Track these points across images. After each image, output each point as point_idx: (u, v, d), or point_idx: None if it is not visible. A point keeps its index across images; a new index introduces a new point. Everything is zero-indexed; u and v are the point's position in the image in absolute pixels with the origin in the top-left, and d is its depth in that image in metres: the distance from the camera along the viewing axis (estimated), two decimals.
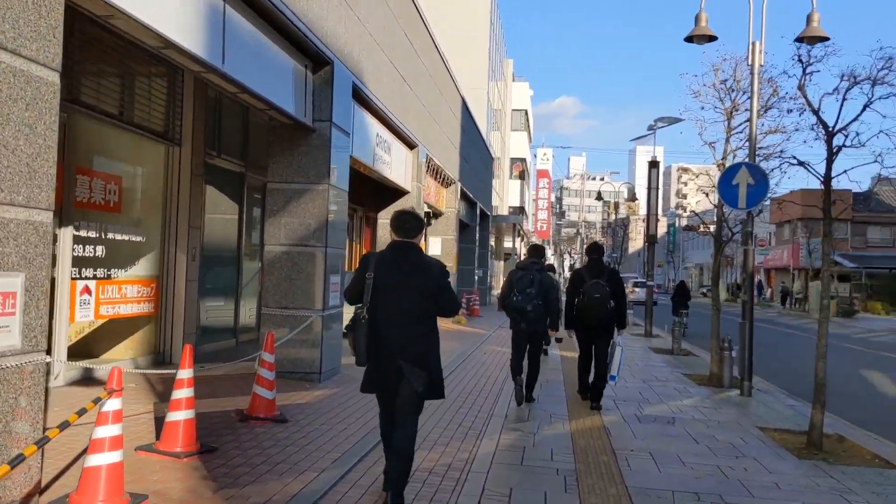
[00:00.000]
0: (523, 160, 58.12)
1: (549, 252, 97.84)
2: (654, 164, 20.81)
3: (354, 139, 10.78)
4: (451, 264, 20.82)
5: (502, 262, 44.46)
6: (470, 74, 34.40)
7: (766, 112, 11.70)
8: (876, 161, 7.24)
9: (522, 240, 51.31)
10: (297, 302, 9.26)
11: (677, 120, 20.85)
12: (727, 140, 12.18)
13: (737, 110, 12.29)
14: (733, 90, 12.11)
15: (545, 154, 64.26)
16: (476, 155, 26.73)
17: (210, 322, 11.31)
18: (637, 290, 47.25)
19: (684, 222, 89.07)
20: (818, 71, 7.42)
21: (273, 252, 9.38)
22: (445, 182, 20.03)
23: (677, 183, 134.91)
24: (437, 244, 20.73)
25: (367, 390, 4.87)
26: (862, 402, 11.45)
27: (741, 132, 12.31)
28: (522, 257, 54.89)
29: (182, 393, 5.72)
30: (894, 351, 20.21)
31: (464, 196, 23.70)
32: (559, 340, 15.50)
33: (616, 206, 36.30)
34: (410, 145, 14.85)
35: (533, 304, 8.46)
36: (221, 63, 6.79)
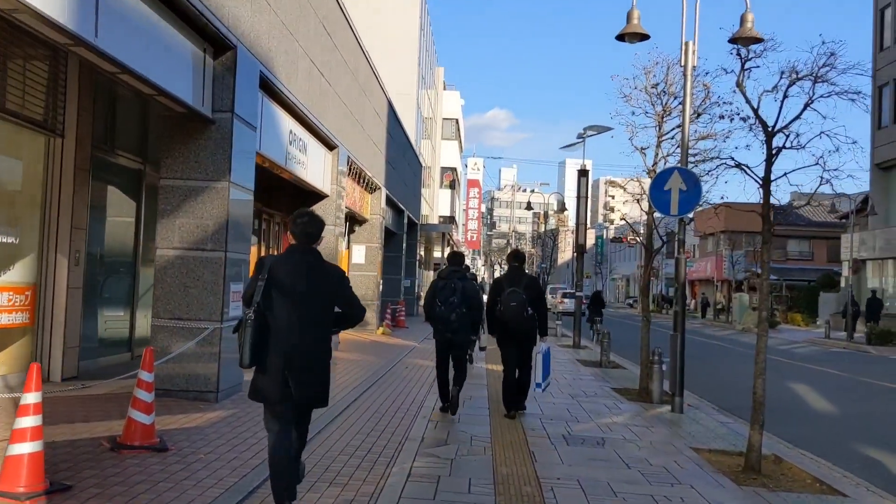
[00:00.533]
0: (454, 169, 57.67)
1: (480, 262, 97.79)
2: (583, 173, 20.44)
3: (263, 134, 9.89)
4: (375, 273, 19.99)
5: (431, 272, 43.75)
6: (399, 79, 33.69)
7: (697, 117, 11.31)
8: (818, 164, 6.78)
9: (453, 249, 50.81)
10: (193, 312, 8.31)
11: (607, 128, 20.58)
12: (658, 145, 11.74)
13: (668, 115, 11.89)
14: (665, 93, 11.69)
15: (476, 164, 63.98)
16: (404, 162, 26.00)
17: (102, 334, 10.22)
18: (566, 300, 47.29)
19: (612, 234, 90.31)
20: (757, 66, 6.93)
21: (166, 257, 8.41)
22: (370, 187, 19.21)
23: (605, 196, 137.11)
24: (360, 252, 19.88)
25: (255, 398, 4.73)
26: (793, 417, 11.11)
27: (672, 138, 11.92)
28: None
29: (27, 421, 4.76)
30: (817, 362, 20.27)
31: (390, 203, 22.92)
32: (483, 349, 14.84)
33: (546, 216, 36.07)
34: (330, 146, 14.01)
35: (457, 313, 8.42)
36: (94, 36, 5.87)
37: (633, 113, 12.33)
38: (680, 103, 11.71)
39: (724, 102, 11.01)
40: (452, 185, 57.09)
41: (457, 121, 57.61)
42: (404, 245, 26.11)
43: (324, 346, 4.75)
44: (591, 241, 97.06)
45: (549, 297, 51.11)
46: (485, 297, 10.75)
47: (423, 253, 44.95)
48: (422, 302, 14.02)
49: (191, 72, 7.91)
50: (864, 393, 14.35)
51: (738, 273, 43.50)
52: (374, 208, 20.02)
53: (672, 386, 10.19)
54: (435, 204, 53.63)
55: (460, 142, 63.81)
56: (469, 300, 8.52)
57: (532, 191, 37.42)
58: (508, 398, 8.80)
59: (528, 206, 35.08)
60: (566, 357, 17.12)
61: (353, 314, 4.83)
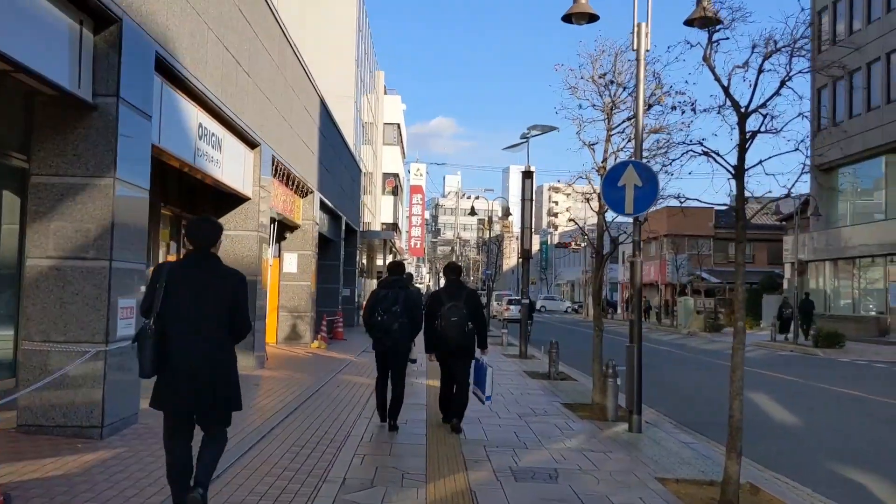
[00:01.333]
0: (396, 175, 56.54)
1: (425, 270, 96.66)
2: (528, 175, 19.53)
3: (164, 126, 8.61)
4: (308, 283, 18.70)
5: (374, 281, 42.40)
6: (335, 81, 32.45)
7: (649, 109, 10.42)
8: (797, 150, 5.89)
9: (395, 257, 49.55)
10: (72, 333, 7.00)
11: (551, 128, 19.74)
12: (608, 139, 10.84)
13: (617, 108, 10.99)
14: (613, 83, 10.78)
15: (419, 169, 62.88)
16: (341, 165, 24.75)
17: None
18: (511, 307, 46.43)
19: (556, 240, 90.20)
20: (727, 38, 6.00)
21: (38, 268, 7.08)
22: (301, 191, 17.94)
23: (549, 202, 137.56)
24: (292, 261, 18.58)
25: (157, 406, 4.58)
26: (759, 431, 10.27)
27: (623, 131, 11.03)
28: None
29: None
30: (769, 367, 19.70)
31: (325, 208, 21.65)
32: (413, 361, 13.99)
33: (490, 221, 35.21)
34: (250, 143, 12.74)
35: (399, 323, 8.20)
36: None
37: (581, 106, 11.37)
38: (630, 94, 10.87)
39: (678, 92, 10.12)
40: (395, 192, 55.94)
41: (398, 126, 56.51)
42: (342, 253, 24.83)
43: (224, 354, 4.64)
44: (535, 247, 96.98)
45: (493, 304, 50.25)
46: None
47: (365, 261, 43.68)
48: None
49: (63, 47, 6.63)
50: (825, 400, 13.66)
51: (683, 277, 43.29)
52: (307, 213, 18.75)
53: (629, 402, 9.23)
54: (377, 211, 52.40)
55: (403, 147, 62.71)
56: (411, 310, 8.33)
57: (476, 197, 36.43)
58: (446, 410, 8.73)
59: (472, 212, 34.10)
60: (513, 368, 16.12)
61: (239, 327, 4.68)
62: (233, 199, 12.84)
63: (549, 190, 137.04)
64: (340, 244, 24.55)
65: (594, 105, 11.09)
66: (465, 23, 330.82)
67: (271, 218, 14.98)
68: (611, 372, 9.89)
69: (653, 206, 8.99)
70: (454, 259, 59.76)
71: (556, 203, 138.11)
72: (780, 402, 13.07)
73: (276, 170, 14.68)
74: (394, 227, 54.85)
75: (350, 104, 34.10)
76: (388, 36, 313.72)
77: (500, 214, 55.04)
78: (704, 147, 6.08)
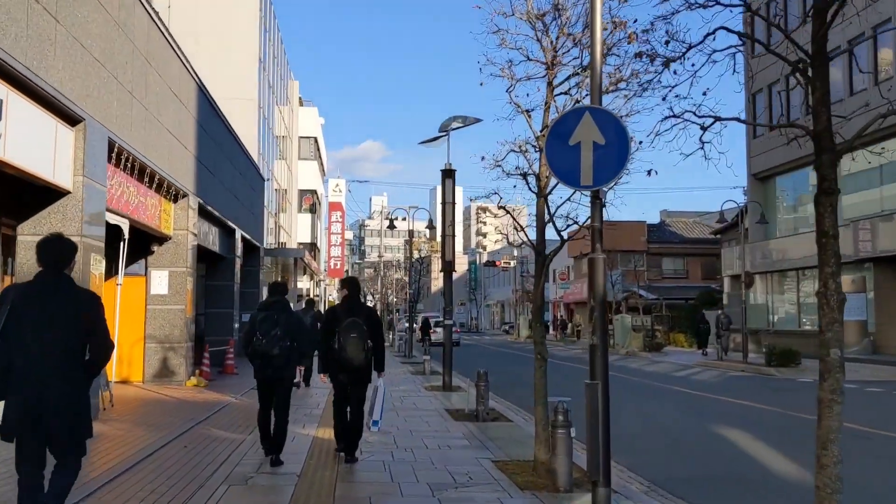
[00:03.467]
0: (314, 192, 53.00)
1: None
2: (448, 174, 16.62)
3: None
4: (182, 307, 15.24)
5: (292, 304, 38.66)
6: (234, 80, 29.11)
7: (608, 53, 7.61)
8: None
9: (312, 278, 45.98)
10: None
11: (475, 119, 16.89)
12: (549, 99, 7.95)
13: (560, 63, 8.15)
14: (555, 21, 7.93)
15: (338, 185, 59.32)
16: (234, 171, 21.35)
17: None
18: (437, 330, 43.39)
19: (485, 258, 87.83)
20: None
21: None
22: (169, 194, 14.54)
23: (476, 223, 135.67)
24: (162, 279, 15.12)
25: (4, 434, 4.40)
26: (760, 491, 7.46)
27: (568, 92, 8.21)
28: (316, 298, 49.29)
29: None
30: (727, 392, 17.15)
31: (211, 218, 18.25)
32: (297, 386, 12.83)
33: (411, 234, 32.32)
34: (67, 117, 9.39)
35: (280, 347, 7.58)
36: None
37: (511, 62, 8.47)
38: (575, 45, 8.08)
39: (644, 30, 7.30)
40: (313, 209, 52.40)
41: (315, 139, 53.09)
42: (237, 272, 21.35)
43: (71, 384, 4.47)
44: (463, 266, 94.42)
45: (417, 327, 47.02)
46: None
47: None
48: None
49: None
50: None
51: (619, 294, 41.07)
52: (180, 222, 15.35)
53: (591, 465, 6.20)
54: (294, 230, 48.78)
55: (321, 162, 59.26)
56: (293, 333, 7.70)
57: (403, 218, 33.48)
58: (343, 438, 8.11)
59: (391, 225, 31.10)
60: (433, 406, 13.05)
61: (96, 352, 4.58)
62: (40, 193, 9.44)
63: (477, 211, 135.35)
64: (235, 261, 21.08)
65: (529, 56, 8.23)
66: (387, 45, 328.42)
67: (113, 224, 11.60)
68: (561, 420, 6.92)
69: (621, 176, 6.08)
70: (379, 281, 56.41)
71: (485, 223, 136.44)
72: (765, 440, 10.33)
73: (120, 160, 11.33)
74: (312, 246, 51.24)
75: (251, 107, 30.65)
76: (308, 56, 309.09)
77: (426, 235, 52.11)
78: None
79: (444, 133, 16.71)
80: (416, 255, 34.07)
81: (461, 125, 16.69)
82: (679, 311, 42.84)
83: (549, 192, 7.28)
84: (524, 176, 7.39)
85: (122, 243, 12.09)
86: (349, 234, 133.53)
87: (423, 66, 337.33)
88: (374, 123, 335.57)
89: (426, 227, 32.53)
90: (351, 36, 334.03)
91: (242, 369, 19.51)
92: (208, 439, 9.19)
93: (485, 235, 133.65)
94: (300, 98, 52.71)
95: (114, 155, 10.84)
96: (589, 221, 6.18)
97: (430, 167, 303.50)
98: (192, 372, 15.39)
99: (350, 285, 8.43)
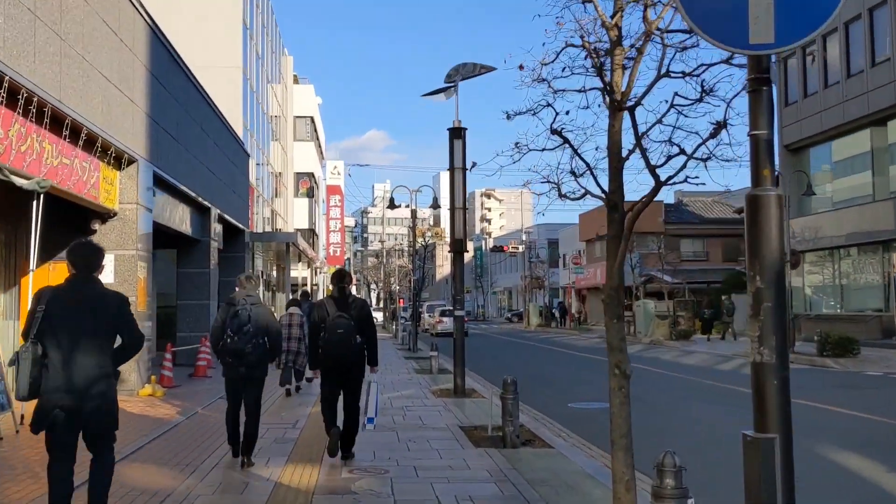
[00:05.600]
0: (312, 175, 49.98)
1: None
2: (456, 134, 13.72)
3: None
4: (132, 298, 12.36)
5: (285, 296, 35.67)
6: (216, 45, 26.21)
7: None
8: None
9: (309, 267, 43.11)
10: None
11: (488, 68, 13.95)
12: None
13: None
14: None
15: (336, 167, 56.24)
16: (207, 139, 18.42)
17: None
18: (445, 319, 40.60)
19: (491, 244, 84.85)
20: None
21: None
22: (108, 156, 11.61)
23: (481, 209, 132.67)
24: (106, 265, 12.21)
25: (37, 429, 4.64)
26: None
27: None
28: (315, 287, 46.26)
29: None
30: (798, 392, 14.18)
31: (174, 191, 15.37)
32: (288, 392, 12.52)
33: (414, 213, 29.49)
34: None
35: (253, 344, 7.31)
36: None
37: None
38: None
39: None
40: (311, 194, 49.42)
41: (312, 119, 50.02)
42: (212, 257, 18.45)
43: (106, 378, 4.73)
44: (468, 253, 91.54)
45: (425, 315, 44.31)
46: None
47: (274, 272, 37.15)
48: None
49: None
50: None
51: (638, 278, 38.15)
52: (128, 194, 12.45)
53: None
54: (290, 215, 45.90)
55: (319, 144, 56.25)
56: (265, 329, 7.41)
57: (406, 206, 31.08)
58: (334, 436, 7.55)
59: (392, 205, 28.17)
60: (444, 421, 10.21)
61: (129, 342, 4.90)
62: None
63: (482, 196, 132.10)
64: (209, 244, 18.17)
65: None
66: (396, 29, 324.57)
67: (28, 190, 8.73)
68: (671, 486, 4.05)
69: (827, 28, 3.16)
70: (381, 268, 53.57)
71: (489, 210, 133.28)
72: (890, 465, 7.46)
73: (17, 101, 8.42)
74: (311, 233, 48.33)
75: (236, 75, 27.66)
76: (314, 44, 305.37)
77: (429, 216, 49.45)
78: None
79: (451, 84, 13.77)
80: (420, 241, 31.17)
81: (471, 74, 13.76)
82: (704, 295, 39.89)
83: (643, 98, 4.31)
84: (599, 69, 4.38)
85: (34, 217, 9.21)
86: (351, 222, 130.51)
87: (430, 53, 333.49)
88: (378, 114, 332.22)
89: (430, 207, 29.52)
90: (360, 20, 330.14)
91: (217, 371, 16.70)
92: (123, 489, 6.31)
93: (489, 222, 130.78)
94: (295, 75, 49.70)
95: (3, 92, 7.92)
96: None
97: (435, 157, 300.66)
98: (146, 379, 12.54)
99: (337, 278, 8.03)
